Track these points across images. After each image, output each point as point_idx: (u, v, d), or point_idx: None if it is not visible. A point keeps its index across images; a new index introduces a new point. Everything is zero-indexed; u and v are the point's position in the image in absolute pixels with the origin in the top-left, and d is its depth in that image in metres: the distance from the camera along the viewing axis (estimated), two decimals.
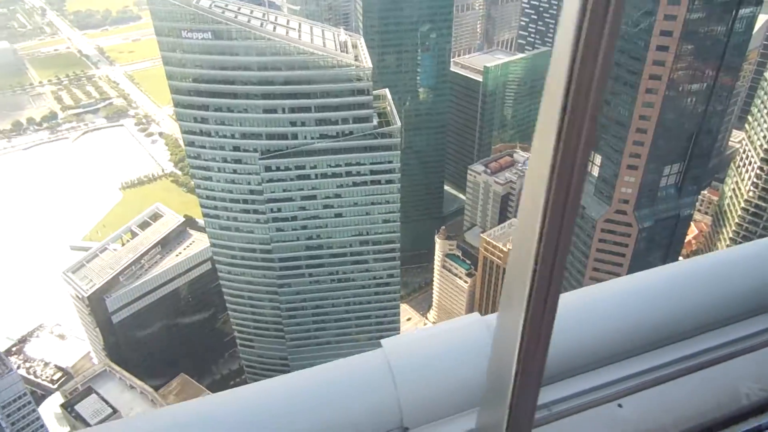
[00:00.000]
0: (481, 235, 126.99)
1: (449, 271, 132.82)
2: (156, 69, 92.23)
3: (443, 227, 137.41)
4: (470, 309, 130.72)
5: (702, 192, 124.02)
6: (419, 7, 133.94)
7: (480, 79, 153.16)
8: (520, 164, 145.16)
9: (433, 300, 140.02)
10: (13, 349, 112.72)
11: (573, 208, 1.66)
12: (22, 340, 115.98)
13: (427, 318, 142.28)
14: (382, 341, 3.23)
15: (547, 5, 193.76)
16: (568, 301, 3.44)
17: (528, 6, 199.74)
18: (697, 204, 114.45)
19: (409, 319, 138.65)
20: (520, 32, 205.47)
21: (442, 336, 3.34)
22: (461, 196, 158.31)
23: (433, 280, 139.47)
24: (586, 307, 3.56)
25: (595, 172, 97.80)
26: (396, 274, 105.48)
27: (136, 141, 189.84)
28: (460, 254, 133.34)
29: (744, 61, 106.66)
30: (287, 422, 2.95)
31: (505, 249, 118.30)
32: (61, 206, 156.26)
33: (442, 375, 3.14)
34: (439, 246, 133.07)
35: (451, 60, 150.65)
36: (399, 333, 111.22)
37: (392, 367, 3.08)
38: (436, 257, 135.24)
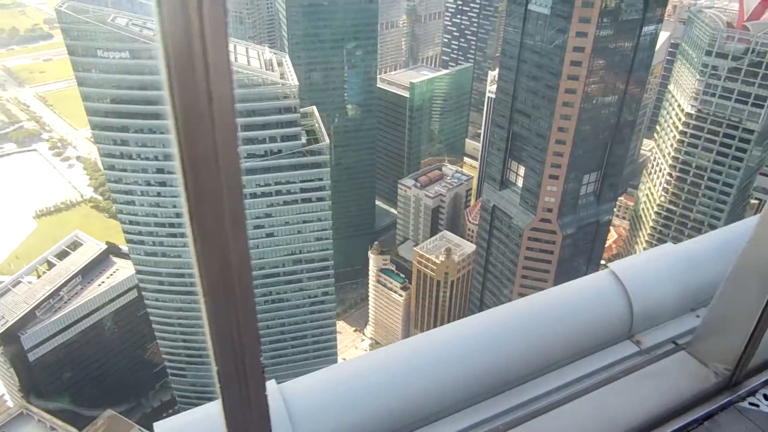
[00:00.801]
0: (414, 248, 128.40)
1: (384, 285, 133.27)
2: (71, 90, 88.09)
3: (376, 242, 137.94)
4: (407, 322, 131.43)
5: (619, 198, 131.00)
6: (344, 24, 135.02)
7: (407, 94, 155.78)
8: (448, 177, 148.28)
9: (370, 315, 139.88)
10: None
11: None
12: None
13: (364, 334, 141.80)
14: (610, 265, 3.89)
15: (467, 23, 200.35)
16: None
17: (450, 24, 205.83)
18: (615, 210, 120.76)
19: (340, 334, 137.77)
20: (444, 49, 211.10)
21: (658, 259, 4.15)
22: (393, 210, 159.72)
23: (368, 296, 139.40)
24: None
25: (520, 182, 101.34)
26: (331, 292, 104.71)
27: (51, 166, 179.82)
28: (394, 268, 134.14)
29: (650, 74, 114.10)
30: (540, 332, 3.56)
31: (437, 261, 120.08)
32: None
33: (662, 287, 3.86)
34: (373, 261, 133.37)
35: (378, 77, 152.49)
36: (336, 351, 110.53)
37: (624, 282, 3.73)
38: (370, 272, 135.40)
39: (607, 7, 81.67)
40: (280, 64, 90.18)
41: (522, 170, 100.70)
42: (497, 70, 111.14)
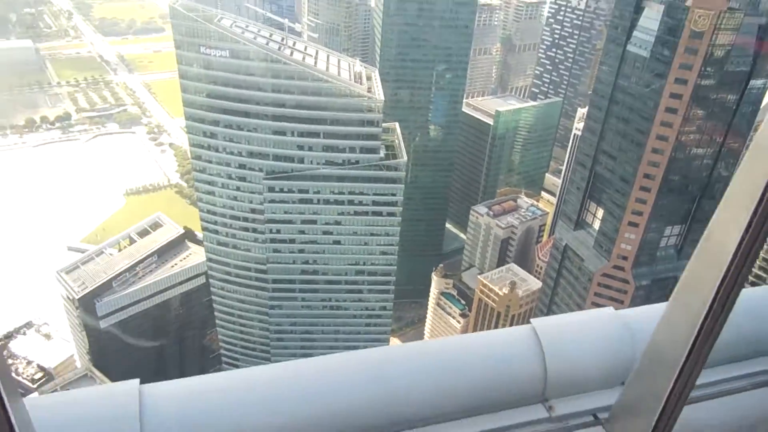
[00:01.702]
0: (479, 276, 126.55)
1: (443, 309, 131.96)
2: (173, 81, 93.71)
3: (441, 265, 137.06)
4: None
5: None
6: (437, 46, 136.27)
7: (491, 122, 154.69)
8: (523, 210, 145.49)
9: (425, 336, 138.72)
10: None
11: None
12: (8, 336, 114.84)
13: None
14: (533, 320, 3.62)
15: (562, 57, 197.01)
16: None
17: (544, 56, 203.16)
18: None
19: None
20: (535, 81, 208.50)
21: (586, 322, 3.83)
22: (462, 235, 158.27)
23: (425, 317, 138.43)
24: None
25: (597, 225, 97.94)
26: (389, 307, 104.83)
27: (146, 149, 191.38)
28: (455, 293, 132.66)
29: (752, 130, 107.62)
30: (435, 381, 3.30)
31: (500, 293, 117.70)
32: (64, 206, 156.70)
33: (584, 355, 3.56)
34: (435, 283, 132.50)
35: (464, 101, 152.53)
36: None
37: (542, 342, 3.45)
38: (431, 294, 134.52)
39: (713, 56, 78.04)
40: (369, 78, 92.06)
41: (600, 213, 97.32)
42: (587, 107, 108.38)
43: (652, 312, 3.78)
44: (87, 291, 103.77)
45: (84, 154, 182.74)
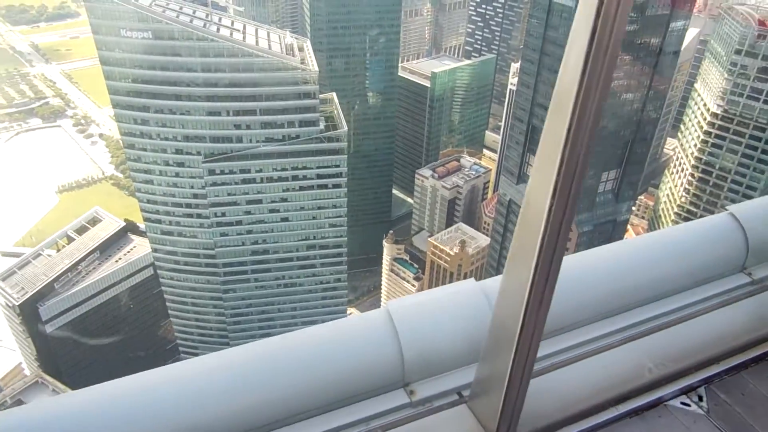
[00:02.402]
0: (429, 239, 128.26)
1: (397, 275, 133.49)
2: (96, 68, 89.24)
3: (391, 231, 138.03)
4: None
5: (639, 197, 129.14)
6: (367, 11, 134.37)
7: (428, 84, 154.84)
8: (466, 169, 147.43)
9: (381, 304, 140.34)
10: None
11: (578, 186, 2.15)
12: None
13: None
14: (387, 303, 3.47)
15: (492, 13, 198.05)
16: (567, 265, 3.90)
17: (475, 14, 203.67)
18: (634, 209, 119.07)
19: None
20: (467, 39, 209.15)
21: (443, 298, 3.63)
22: (409, 200, 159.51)
23: (381, 284, 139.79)
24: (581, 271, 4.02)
25: None
26: (343, 279, 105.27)
27: (75, 142, 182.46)
28: (407, 258, 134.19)
29: (676, 71, 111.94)
30: (289, 378, 3.13)
31: (451, 253, 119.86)
32: None
33: (444, 333, 3.43)
34: (387, 250, 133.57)
35: (400, 65, 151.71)
36: None
37: (397, 325, 3.32)
38: (383, 261, 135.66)
39: (634, 1, 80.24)
40: (301, 50, 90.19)
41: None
42: (519, 62, 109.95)
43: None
44: (27, 296, 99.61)
45: (7, 153, 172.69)
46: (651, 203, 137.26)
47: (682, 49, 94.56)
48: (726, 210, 4.42)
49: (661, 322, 3.97)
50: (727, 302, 4.12)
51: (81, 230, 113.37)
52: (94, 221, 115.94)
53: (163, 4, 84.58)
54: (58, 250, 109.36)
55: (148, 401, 2.94)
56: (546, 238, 2.25)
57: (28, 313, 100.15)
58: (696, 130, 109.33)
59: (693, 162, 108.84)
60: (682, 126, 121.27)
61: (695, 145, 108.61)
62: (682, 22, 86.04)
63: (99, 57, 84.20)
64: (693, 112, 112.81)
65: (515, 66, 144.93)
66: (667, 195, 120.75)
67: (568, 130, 2.01)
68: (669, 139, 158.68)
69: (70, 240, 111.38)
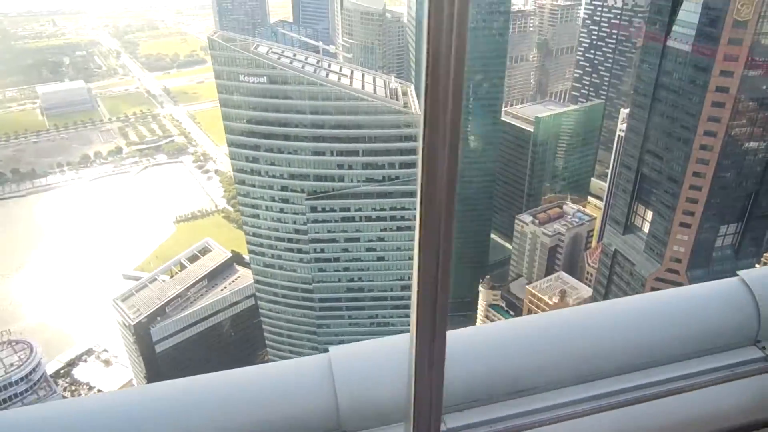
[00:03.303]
0: (527, 286, 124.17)
1: (492, 321, 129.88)
2: (216, 110, 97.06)
3: (488, 276, 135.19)
4: None
5: (765, 254, 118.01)
6: (472, 57, 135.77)
7: (531, 129, 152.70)
8: (569, 216, 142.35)
9: None
10: (62, 371, 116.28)
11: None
12: (71, 364, 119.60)
13: None
14: (330, 348, 3.33)
15: (602, 58, 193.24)
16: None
17: (583, 59, 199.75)
18: (759, 267, 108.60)
19: None
20: (574, 84, 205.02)
21: (387, 349, 3.44)
22: (507, 245, 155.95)
23: None
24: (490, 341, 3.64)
25: (646, 228, 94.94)
26: None
27: (193, 177, 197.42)
28: (503, 305, 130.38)
29: None
30: (224, 417, 3.06)
31: (550, 302, 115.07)
32: (118, 236, 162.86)
33: (382, 385, 3.23)
34: (483, 295, 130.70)
35: (503, 110, 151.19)
36: None
37: (334, 372, 3.20)
38: (479, 306, 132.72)
39: (759, 45, 75.11)
40: (404, 94, 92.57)
41: (649, 215, 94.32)
42: (629, 107, 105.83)
43: (456, 335, 3.51)
44: (142, 317, 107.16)
45: (135, 186, 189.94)
46: None
47: None
48: (737, 275, 4.00)
49: (649, 393, 3.54)
50: (732, 377, 3.66)
51: (192, 259, 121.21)
52: (205, 251, 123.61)
53: (279, 52, 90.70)
54: (171, 276, 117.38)
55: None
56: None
57: (141, 334, 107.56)
58: None
59: None
60: None
61: None
62: None
63: (219, 99, 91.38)
64: None
65: (624, 112, 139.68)
66: None
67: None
68: None
69: (183, 267, 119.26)
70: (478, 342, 3.57)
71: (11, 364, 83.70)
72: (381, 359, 3.37)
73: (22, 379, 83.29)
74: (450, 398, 3.15)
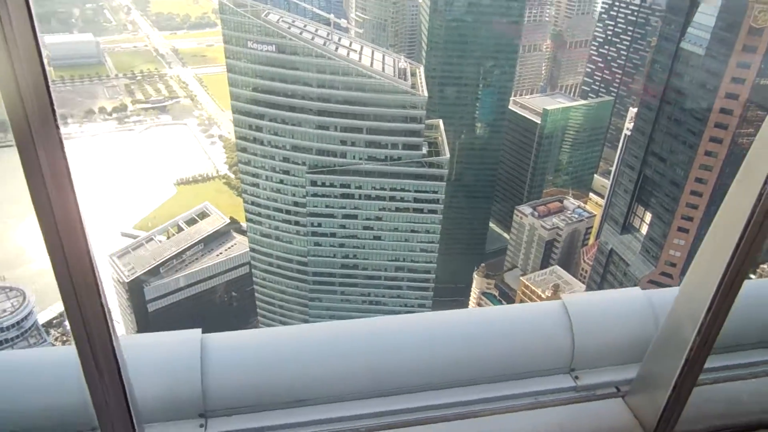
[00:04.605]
0: (521, 278, 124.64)
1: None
2: (224, 75, 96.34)
3: (483, 264, 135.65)
4: None
5: (761, 266, 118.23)
6: (485, 43, 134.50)
7: (538, 120, 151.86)
8: (569, 211, 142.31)
9: None
10: (54, 321, 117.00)
11: None
12: (63, 315, 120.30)
13: None
14: (563, 296, 3.90)
15: (615, 55, 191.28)
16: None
17: (596, 54, 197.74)
18: (755, 277, 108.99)
19: None
20: (586, 79, 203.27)
21: (612, 299, 4.14)
22: (505, 235, 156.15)
23: None
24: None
25: (644, 229, 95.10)
26: (428, 304, 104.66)
27: (197, 141, 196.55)
28: (496, 294, 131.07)
29: None
30: (473, 349, 3.65)
31: (543, 295, 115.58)
32: (119, 194, 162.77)
33: (610, 329, 3.82)
34: (476, 282, 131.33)
35: (511, 99, 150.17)
36: None
37: (571, 316, 3.69)
38: (471, 293, 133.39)
39: None
40: (413, 75, 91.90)
41: (648, 217, 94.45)
42: (637, 107, 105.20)
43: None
44: (136, 275, 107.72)
45: (138, 144, 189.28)
46: None
47: None
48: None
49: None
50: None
51: (190, 222, 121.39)
52: (203, 215, 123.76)
53: (289, 21, 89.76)
54: (168, 238, 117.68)
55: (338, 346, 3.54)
56: (735, 258, 2.40)
57: (135, 291, 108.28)
58: None
59: None
60: None
61: None
62: None
63: (226, 65, 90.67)
64: None
65: (633, 111, 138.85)
66: None
67: None
68: None
69: (180, 229, 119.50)
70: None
71: (3, 310, 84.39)
72: (612, 307, 4.00)
73: (13, 325, 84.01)
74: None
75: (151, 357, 3.31)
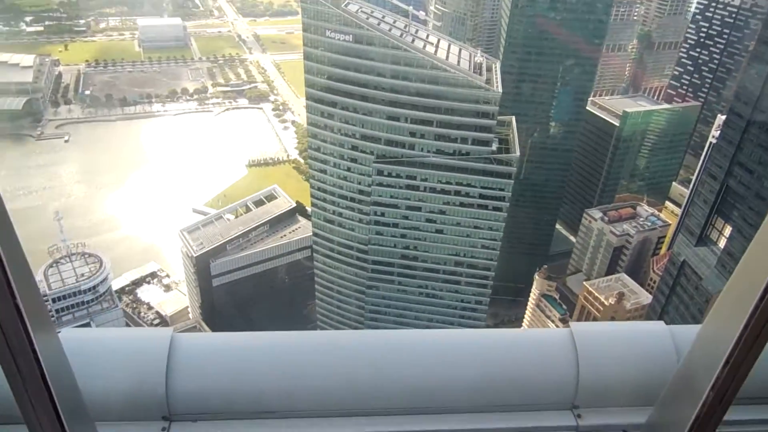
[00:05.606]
0: (584, 282, 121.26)
1: (542, 311, 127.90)
2: (301, 62, 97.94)
3: (546, 266, 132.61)
4: None
5: None
6: (567, 41, 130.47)
7: (617, 123, 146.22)
8: (641, 218, 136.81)
9: None
10: (127, 288, 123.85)
11: None
12: (136, 283, 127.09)
13: None
14: (572, 324, 3.50)
15: (707, 58, 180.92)
16: None
17: (686, 56, 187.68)
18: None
19: None
20: (672, 82, 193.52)
21: (629, 333, 3.61)
22: (572, 238, 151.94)
23: (522, 317, 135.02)
24: None
25: (722, 243, 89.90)
26: (485, 302, 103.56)
27: (270, 125, 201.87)
28: (557, 297, 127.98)
29: None
30: (467, 374, 3.29)
31: (606, 303, 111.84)
32: (194, 172, 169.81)
33: (622, 367, 3.34)
34: (538, 284, 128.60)
35: (590, 99, 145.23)
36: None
37: (578, 347, 3.30)
38: (531, 295, 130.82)
39: None
40: (489, 70, 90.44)
41: (728, 230, 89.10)
42: (726, 114, 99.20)
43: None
44: (204, 251, 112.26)
45: (215, 126, 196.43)
46: None
47: None
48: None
49: None
50: None
51: (258, 203, 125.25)
52: (271, 197, 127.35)
53: (368, 11, 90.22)
54: (236, 217, 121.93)
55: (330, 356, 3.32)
56: (765, 299, 2.07)
57: (201, 266, 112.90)
58: None
59: None
60: None
61: None
62: None
63: (303, 52, 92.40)
64: None
65: (721, 118, 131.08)
66: None
67: None
68: None
69: (248, 210, 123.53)
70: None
71: (82, 274, 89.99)
72: (627, 342, 3.50)
73: (89, 289, 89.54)
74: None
75: (118, 353, 3.17)
